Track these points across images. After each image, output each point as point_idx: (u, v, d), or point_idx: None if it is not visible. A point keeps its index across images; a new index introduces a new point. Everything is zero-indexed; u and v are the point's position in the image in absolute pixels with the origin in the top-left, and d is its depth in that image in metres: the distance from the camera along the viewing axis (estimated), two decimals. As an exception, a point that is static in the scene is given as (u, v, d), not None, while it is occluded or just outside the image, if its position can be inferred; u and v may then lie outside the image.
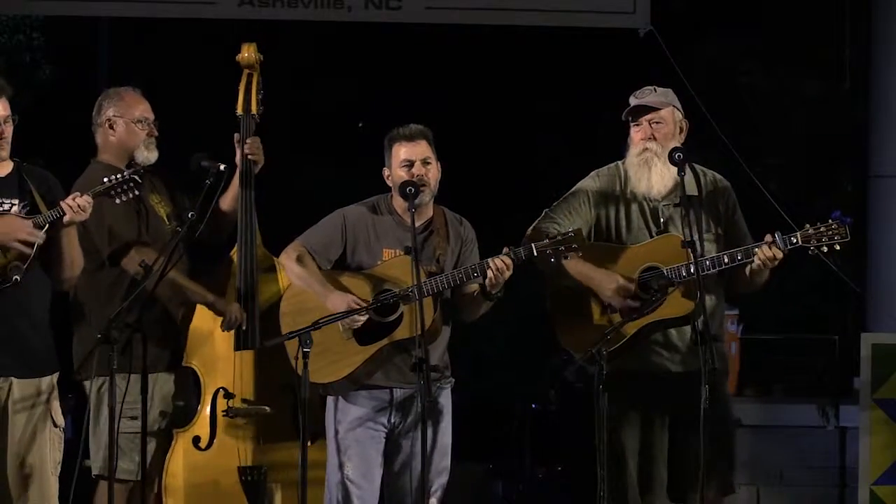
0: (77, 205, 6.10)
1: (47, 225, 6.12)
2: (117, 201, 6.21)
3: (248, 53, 6.90)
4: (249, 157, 6.73)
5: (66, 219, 6.11)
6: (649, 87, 6.51)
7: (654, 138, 6.42)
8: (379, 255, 6.44)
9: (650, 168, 6.39)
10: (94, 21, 11.33)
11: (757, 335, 9.59)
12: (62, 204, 6.11)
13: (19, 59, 12.11)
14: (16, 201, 6.21)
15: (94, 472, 6.59)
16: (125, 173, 6.20)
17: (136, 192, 6.23)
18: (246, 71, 6.90)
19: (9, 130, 6.22)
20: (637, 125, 6.47)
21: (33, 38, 12.16)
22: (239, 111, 6.84)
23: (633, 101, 6.48)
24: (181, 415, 6.74)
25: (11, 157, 6.29)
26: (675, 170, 6.27)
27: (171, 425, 6.69)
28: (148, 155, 6.71)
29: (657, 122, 6.44)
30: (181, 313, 6.69)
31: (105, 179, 6.18)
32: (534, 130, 11.85)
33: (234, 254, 6.78)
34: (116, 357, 6.08)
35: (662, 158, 6.36)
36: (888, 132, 9.60)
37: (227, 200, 6.78)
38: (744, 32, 11.32)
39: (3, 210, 6.18)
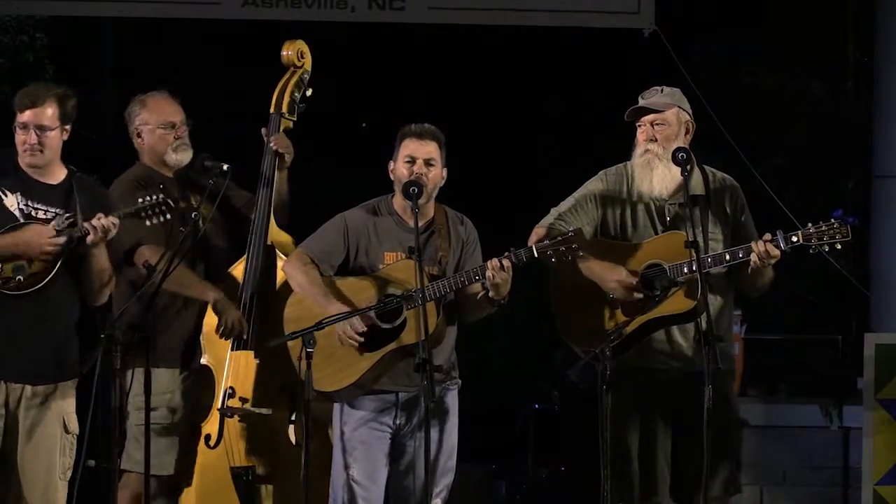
0: (102, 226, 6.03)
1: (66, 236, 6.03)
2: (147, 223, 6.18)
3: (286, 52, 6.93)
4: (276, 149, 6.75)
5: (88, 239, 6.03)
6: (656, 88, 6.51)
7: (656, 140, 6.42)
8: (381, 259, 6.40)
9: (652, 169, 6.40)
10: (97, 21, 11.33)
11: (760, 335, 9.59)
12: (86, 224, 6.02)
13: (22, 59, 12.10)
14: (61, 211, 6.15)
15: (122, 465, 6.57)
16: (157, 196, 6.17)
17: (168, 217, 6.20)
18: (290, 69, 6.93)
19: (46, 139, 6.14)
20: (640, 126, 6.47)
21: (36, 38, 12.14)
22: (271, 109, 6.88)
23: (640, 101, 6.49)
24: (205, 412, 6.72)
25: (67, 165, 6.26)
26: (678, 170, 6.27)
27: (189, 422, 6.67)
28: (177, 157, 6.76)
29: (659, 124, 6.44)
30: (194, 310, 6.67)
31: (140, 200, 6.16)
32: (537, 130, 11.85)
33: (234, 270, 6.75)
34: (120, 357, 6.06)
35: (664, 159, 6.35)
36: (892, 132, 9.60)
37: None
38: (747, 32, 11.32)
39: (46, 218, 6.11)
